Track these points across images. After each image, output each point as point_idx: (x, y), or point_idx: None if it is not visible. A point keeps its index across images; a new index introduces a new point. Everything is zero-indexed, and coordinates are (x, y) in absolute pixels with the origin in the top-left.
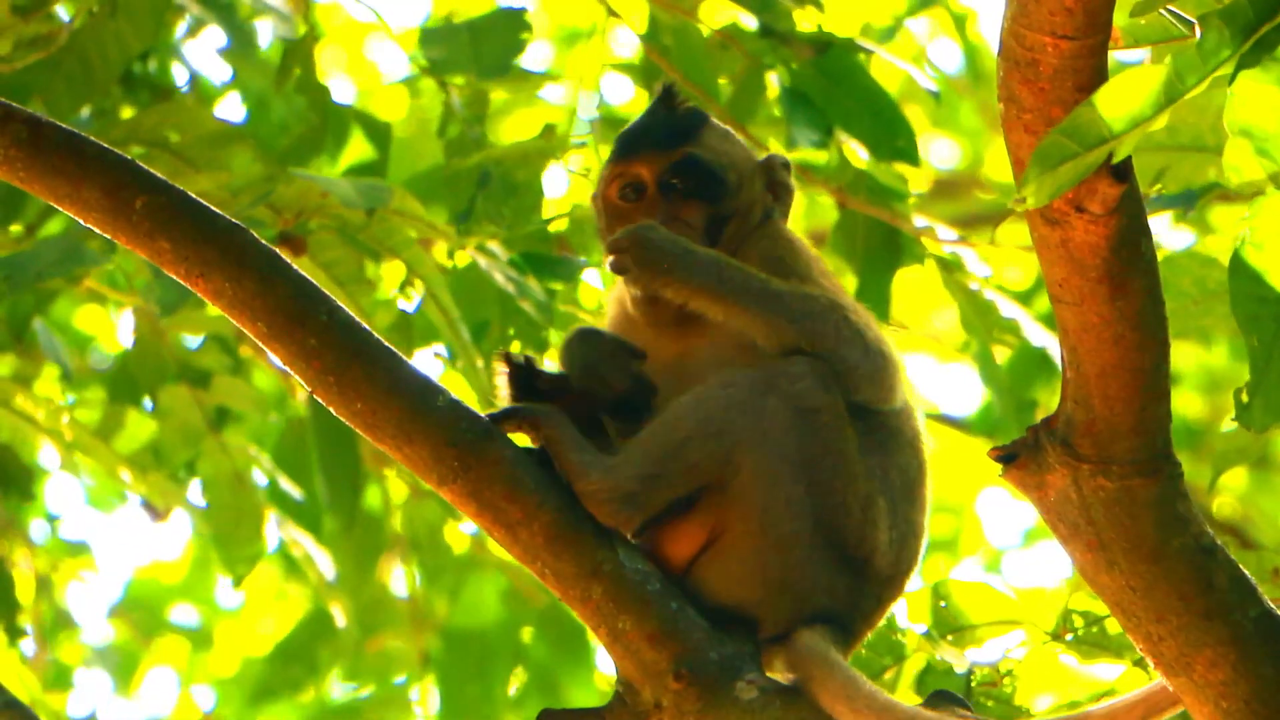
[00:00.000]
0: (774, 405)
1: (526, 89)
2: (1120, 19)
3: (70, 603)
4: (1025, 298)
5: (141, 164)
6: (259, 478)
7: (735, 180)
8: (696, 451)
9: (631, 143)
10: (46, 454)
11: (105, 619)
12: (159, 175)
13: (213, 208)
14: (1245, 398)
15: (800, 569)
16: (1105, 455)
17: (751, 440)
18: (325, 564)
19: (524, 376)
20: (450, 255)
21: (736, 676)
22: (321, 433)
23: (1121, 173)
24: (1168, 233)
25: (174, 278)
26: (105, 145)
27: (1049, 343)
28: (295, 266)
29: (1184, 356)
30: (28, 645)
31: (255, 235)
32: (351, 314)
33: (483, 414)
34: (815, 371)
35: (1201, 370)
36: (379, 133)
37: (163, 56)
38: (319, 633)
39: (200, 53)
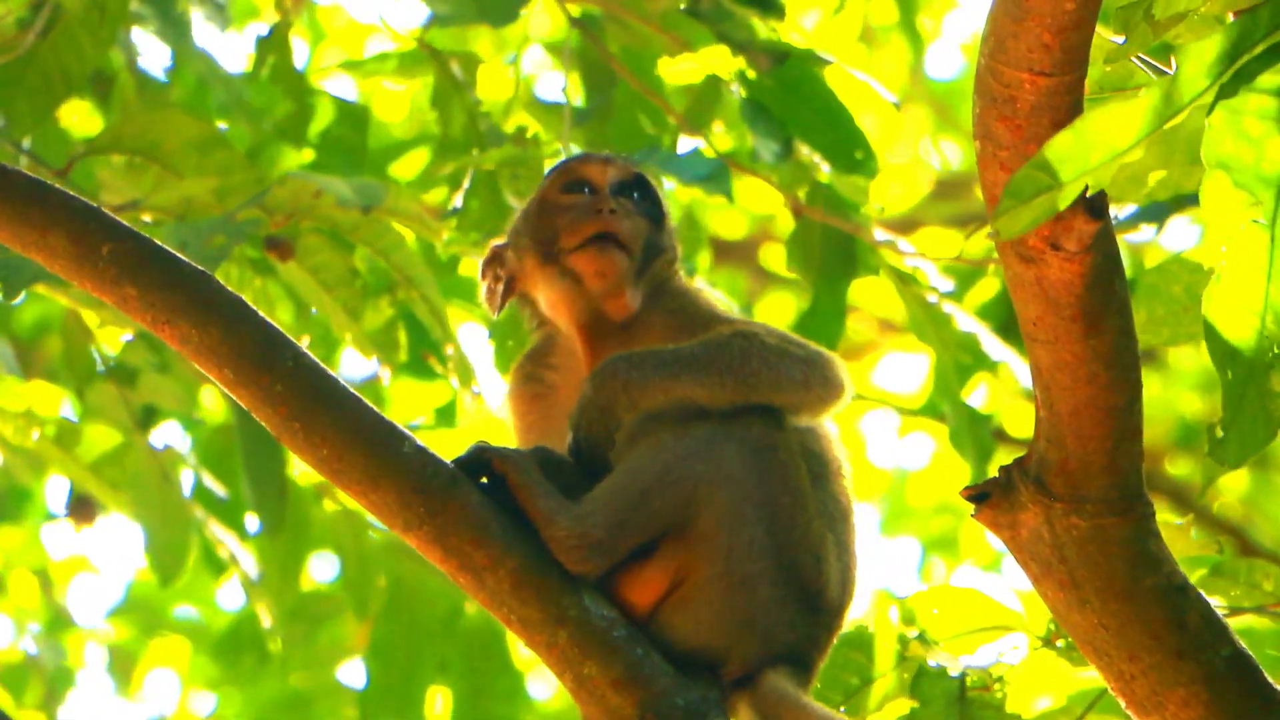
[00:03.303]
0: (731, 450)
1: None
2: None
3: (71, 603)
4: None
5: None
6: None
7: (669, 221)
8: (659, 499)
9: (584, 155)
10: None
11: (106, 619)
12: (125, 222)
13: (178, 255)
14: (1219, 432)
15: (764, 608)
16: (1078, 494)
17: (712, 484)
18: (249, 563)
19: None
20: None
21: None
22: (246, 437)
23: (1097, 210)
24: (1168, 236)
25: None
26: (71, 192)
27: (1009, 357)
28: (260, 313)
29: (1183, 356)
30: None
31: (221, 282)
32: (316, 360)
33: (448, 460)
34: (766, 413)
35: (1200, 370)
36: (356, 116)
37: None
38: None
39: (138, 41)
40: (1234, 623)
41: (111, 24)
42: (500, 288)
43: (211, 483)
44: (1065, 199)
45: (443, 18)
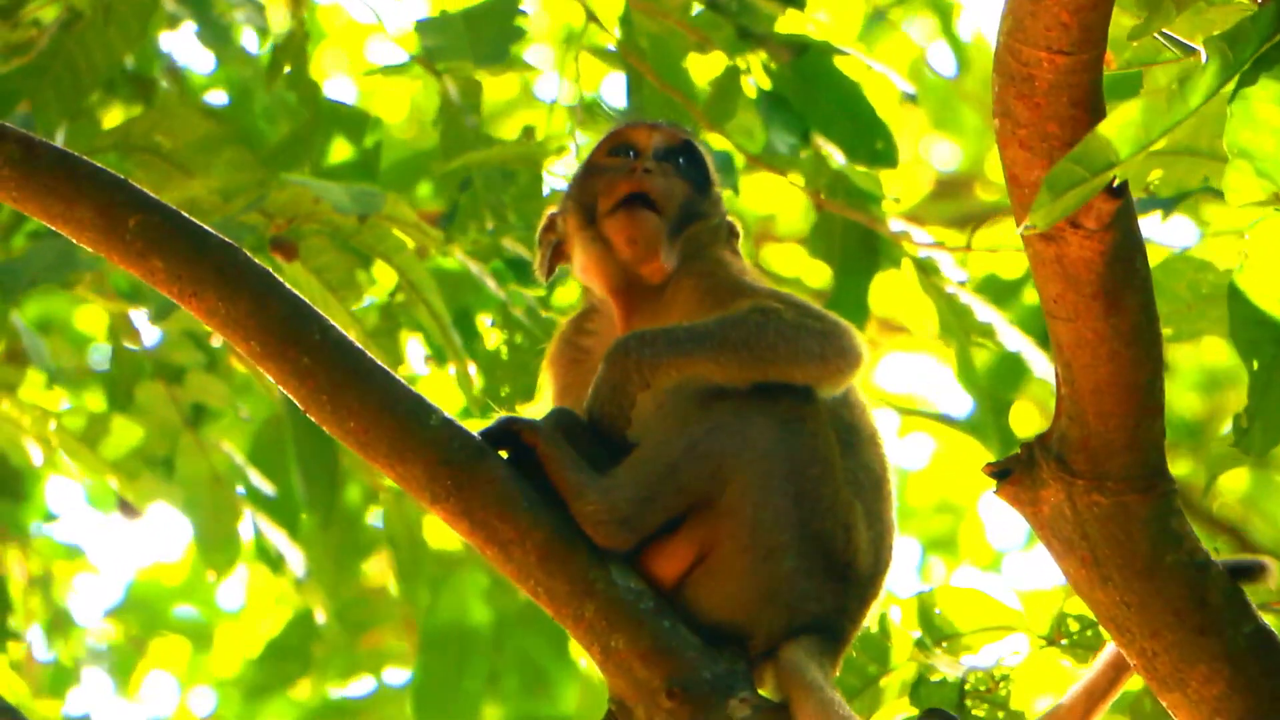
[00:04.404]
0: (759, 423)
1: (517, 70)
2: (1113, 42)
3: (70, 603)
4: (1001, 298)
5: (134, 183)
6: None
7: (715, 190)
8: (686, 473)
9: (633, 121)
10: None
11: (105, 619)
12: (152, 195)
13: (206, 226)
14: (1244, 422)
15: (789, 580)
16: (1100, 471)
17: (739, 458)
18: (298, 561)
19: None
20: (446, 245)
21: (729, 695)
22: (299, 430)
23: (1116, 189)
24: (1167, 234)
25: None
26: (98, 165)
27: (1024, 347)
28: (288, 285)
29: (1184, 356)
30: (32, 648)
31: (248, 254)
32: (344, 333)
33: (475, 432)
34: (794, 385)
35: (1200, 369)
36: (371, 128)
37: (143, 51)
38: (311, 630)
39: (180, 46)
40: None
41: (139, 18)
42: (549, 253)
43: (260, 481)
44: (1093, 190)
45: (435, 50)
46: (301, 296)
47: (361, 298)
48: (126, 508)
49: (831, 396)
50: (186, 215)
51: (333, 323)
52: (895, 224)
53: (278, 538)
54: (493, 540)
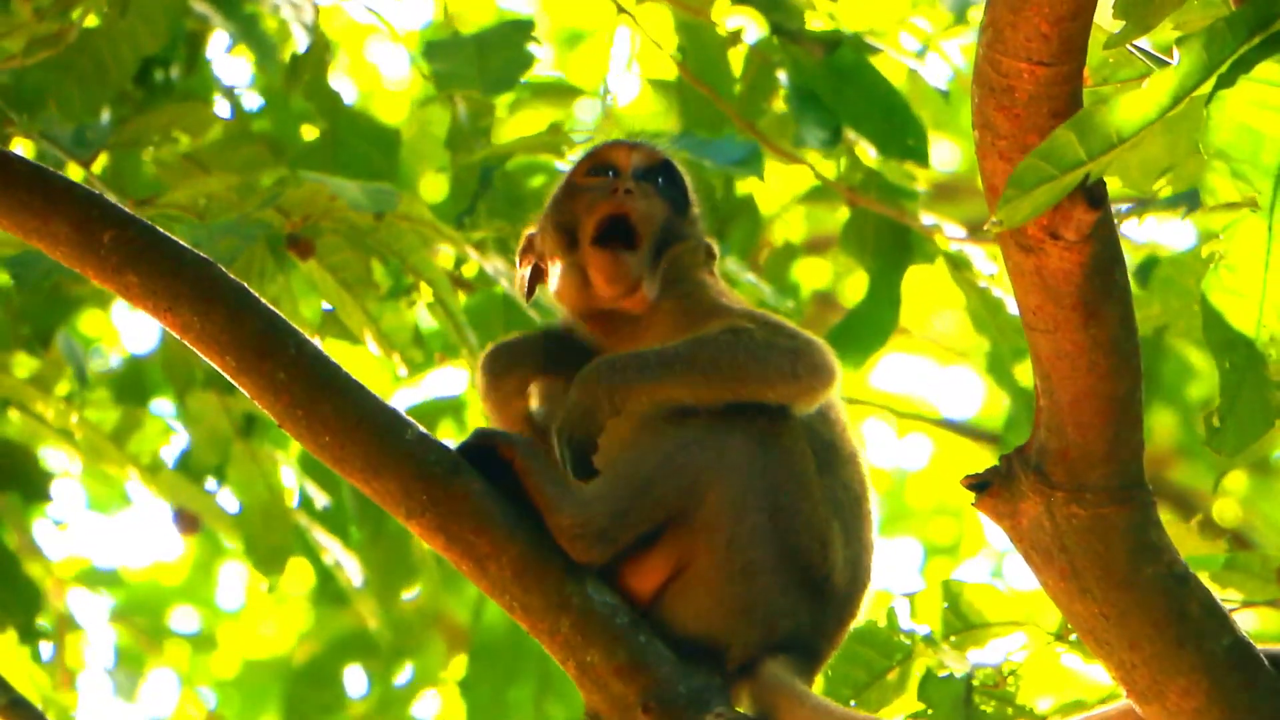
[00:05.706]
0: (735, 438)
1: (538, 102)
2: (1090, 59)
3: (72, 606)
4: None
5: (112, 199)
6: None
7: (695, 210)
8: (661, 487)
9: (612, 140)
10: (49, 456)
11: (106, 622)
12: (127, 209)
13: (181, 242)
14: (1217, 421)
15: (765, 595)
16: (1078, 483)
17: (715, 472)
18: (354, 570)
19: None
20: (456, 266)
21: (705, 709)
22: None
23: (1096, 199)
24: (1173, 234)
25: None
26: (72, 179)
27: None
28: (264, 300)
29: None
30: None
31: (223, 269)
32: (319, 347)
33: (452, 446)
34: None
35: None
36: (388, 140)
37: (200, 80)
38: (346, 656)
39: (233, 76)
40: (1249, 616)
41: (169, 15)
42: (529, 273)
43: (313, 490)
44: (1065, 189)
45: (442, 76)
46: (277, 311)
47: (379, 296)
48: (184, 520)
49: (807, 414)
50: (162, 230)
51: (308, 337)
52: (926, 219)
53: (333, 546)
54: (468, 555)
